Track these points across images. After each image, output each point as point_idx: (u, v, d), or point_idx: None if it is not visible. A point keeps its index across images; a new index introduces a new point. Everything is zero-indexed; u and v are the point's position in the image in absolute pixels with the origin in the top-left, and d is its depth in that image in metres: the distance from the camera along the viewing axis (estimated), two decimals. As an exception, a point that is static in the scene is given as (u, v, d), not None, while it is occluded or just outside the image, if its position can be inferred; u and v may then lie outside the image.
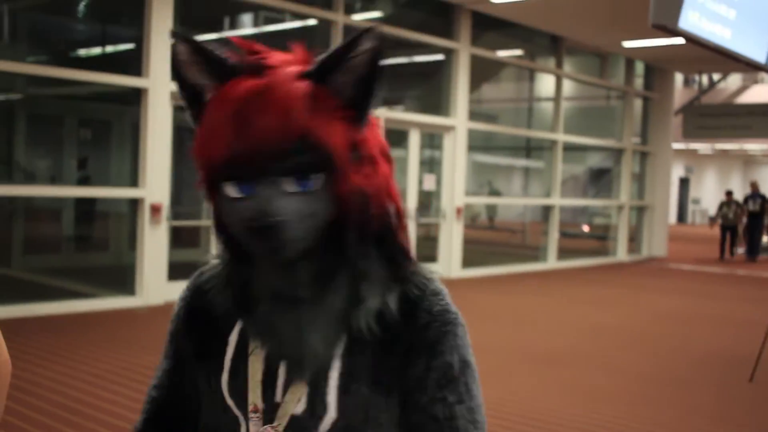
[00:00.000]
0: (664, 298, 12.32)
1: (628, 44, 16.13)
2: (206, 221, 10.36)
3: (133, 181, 9.58)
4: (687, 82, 29.65)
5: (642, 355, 7.97)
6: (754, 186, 19.85)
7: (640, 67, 18.97)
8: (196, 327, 1.38)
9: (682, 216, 41.34)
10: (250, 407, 1.26)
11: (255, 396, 1.26)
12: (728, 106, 22.32)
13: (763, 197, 19.60)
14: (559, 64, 16.17)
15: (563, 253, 16.60)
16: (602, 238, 19.17)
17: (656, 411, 5.98)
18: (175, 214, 10.02)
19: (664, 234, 19.66)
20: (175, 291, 7.39)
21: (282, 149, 1.11)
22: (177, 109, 9.82)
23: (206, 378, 1.33)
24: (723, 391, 6.68)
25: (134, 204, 9.52)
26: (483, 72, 15.25)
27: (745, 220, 19.53)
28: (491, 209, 19.37)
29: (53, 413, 5.22)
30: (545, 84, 16.97)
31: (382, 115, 11.42)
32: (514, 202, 17.86)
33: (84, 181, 11.26)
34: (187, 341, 1.39)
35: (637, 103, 19.12)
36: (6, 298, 8.65)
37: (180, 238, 10.90)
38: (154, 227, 9.40)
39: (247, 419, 1.27)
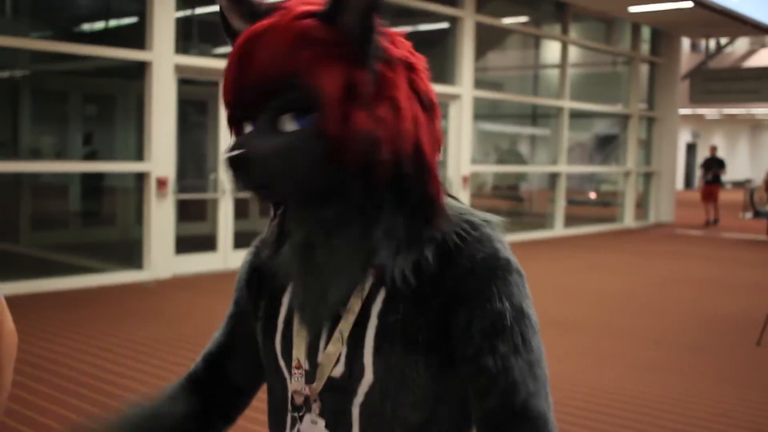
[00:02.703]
0: (671, 264, 12.31)
1: (634, 9, 16.01)
2: (211, 194, 10.35)
3: (139, 155, 9.56)
4: (694, 47, 29.45)
5: (650, 320, 7.98)
6: None
7: (646, 33, 18.83)
8: (255, 287, 1.38)
9: (689, 181, 41.21)
10: (294, 363, 1.25)
11: (299, 351, 1.25)
12: (735, 71, 22.18)
13: None
14: (565, 30, 16.06)
15: (570, 220, 16.59)
16: (608, 205, 19.13)
17: (665, 376, 5.99)
18: (182, 188, 10.02)
19: (671, 199, 19.62)
20: (182, 264, 7.52)
21: (272, 87, 1.13)
22: (181, 82, 9.80)
23: (263, 339, 1.33)
24: (731, 355, 6.68)
25: (140, 178, 9.51)
26: (488, 40, 15.15)
27: None
28: (504, 177, 19.11)
29: (63, 387, 5.25)
30: (551, 51, 16.86)
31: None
32: (521, 170, 17.81)
33: (91, 156, 11.26)
34: (248, 299, 1.40)
35: (644, 69, 19.00)
36: (15, 274, 8.68)
37: (187, 212, 10.91)
38: (160, 201, 9.41)
39: (291, 377, 1.26)
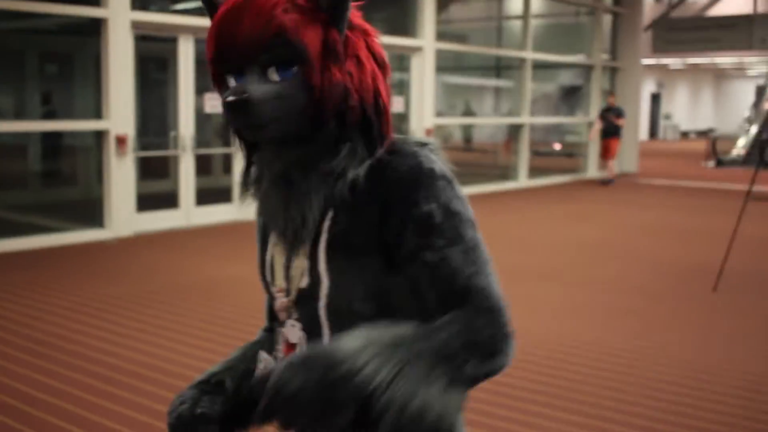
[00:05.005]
0: (634, 213, 12.44)
1: (595, -41, 15.97)
2: (172, 151, 10.28)
3: (97, 113, 9.46)
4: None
5: (611, 268, 8.08)
6: None
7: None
8: (258, 231, 1.61)
9: (654, 132, 41.46)
10: (276, 288, 1.49)
11: (279, 279, 1.49)
12: (698, 20, 22.26)
13: None
14: (527, -18, 16.00)
15: (535, 171, 16.67)
16: (573, 155, 19.22)
17: (626, 322, 6.09)
18: (143, 145, 9.93)
19: (634, 150, 19.76)
20: (144, 222, 7.53)
21: (261, 43, 1.32)
22: (141, 39, 9.68)
23: (261, 274, 1.57)
24: (689, 301, 6.80)
25: (99, 136, 9.43)
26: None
27: None
28: (466, 130, 19.12)
29: (24, 347, 5.24)
30: (515, 2, 16.80)
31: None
32: (484, 122, 17.81)
33: (50, 116, 11.11)
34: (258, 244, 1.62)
35: (607, 19, 19.01)
36: (-25, 235, 8.62)
37: (150, 170, 10.83)
38: (120, 159, 9.33)
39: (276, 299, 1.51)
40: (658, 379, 4.86)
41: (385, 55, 1.46)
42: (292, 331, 1.47)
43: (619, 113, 16.55)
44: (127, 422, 4.07)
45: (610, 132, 16.46)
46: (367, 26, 1.45)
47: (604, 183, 16.89)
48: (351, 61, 1.38)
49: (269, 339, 1.63)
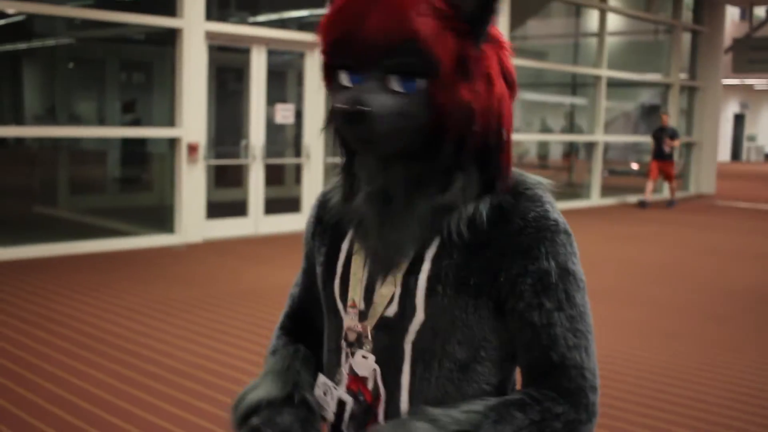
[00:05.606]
0: (707, 235, 12.21)
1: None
2: (242, 160, 10.48)
3: (171, 122, 9.71)
4: (744, 16, 28.89)
5: (680, 290, 7.96)
6: None
7: (689, 0, 18.52)
8: (321, 236, 1.46)
9: (736, 153, 40.52)
10: (349, 302, 1.35)
11: (354, 293, 1.35)
12: (782, 40, 21.71)
13: None
14: (604, -1, 15.90)
15: (609, 190, 16.47)
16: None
17: (691, 346, 5.99)
18: (218, 154, 10.13)
19: (712, 171, 19.38)
20: (213, 229, 7.76)
21: (389, 47, 1.18)
22: (217, 50, 9.90)
23: (323, 283, 1.42)
24: (752, 325, 6.66)
25: (172, 144, 9.67)
26: (527, 7, 15.06)
27: None
28: (542, 147, 18.93)
29: (83, 343, 5.42)
30: (594, 19, 16.68)
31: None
32: (557, 139, 17.70)
33: (134, 124, 11.44)
34: (315, 250, 1.48)
35: (686, 38, 18.72)
36: (52, 236, 8.94)
37: (224, 178, 11.07)
38: (191, 166, 9.55)
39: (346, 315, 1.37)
40: (724, 403, 4.78)
41: (515, 73, 1.34)
42: (363, 363, 1.34)
43: (674, 134, 15.65)
44: (175, 421, 4.19)
45: (664, 154, 15.57)
46: (502, 38, 1.30)
47: (642, 205, 15.85)
48: (481, 80, 1.24)
49: (309, 353, 1.49)
